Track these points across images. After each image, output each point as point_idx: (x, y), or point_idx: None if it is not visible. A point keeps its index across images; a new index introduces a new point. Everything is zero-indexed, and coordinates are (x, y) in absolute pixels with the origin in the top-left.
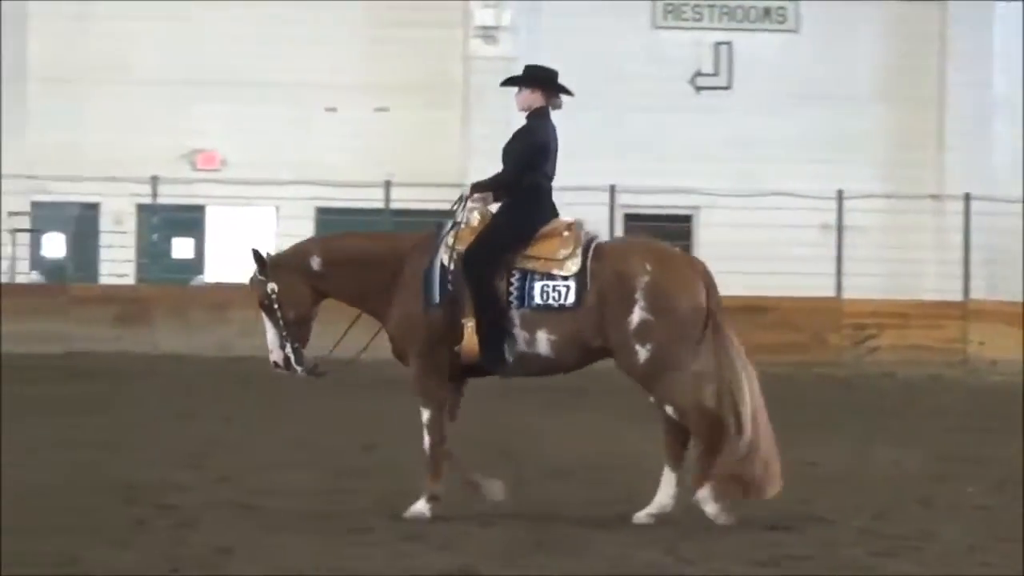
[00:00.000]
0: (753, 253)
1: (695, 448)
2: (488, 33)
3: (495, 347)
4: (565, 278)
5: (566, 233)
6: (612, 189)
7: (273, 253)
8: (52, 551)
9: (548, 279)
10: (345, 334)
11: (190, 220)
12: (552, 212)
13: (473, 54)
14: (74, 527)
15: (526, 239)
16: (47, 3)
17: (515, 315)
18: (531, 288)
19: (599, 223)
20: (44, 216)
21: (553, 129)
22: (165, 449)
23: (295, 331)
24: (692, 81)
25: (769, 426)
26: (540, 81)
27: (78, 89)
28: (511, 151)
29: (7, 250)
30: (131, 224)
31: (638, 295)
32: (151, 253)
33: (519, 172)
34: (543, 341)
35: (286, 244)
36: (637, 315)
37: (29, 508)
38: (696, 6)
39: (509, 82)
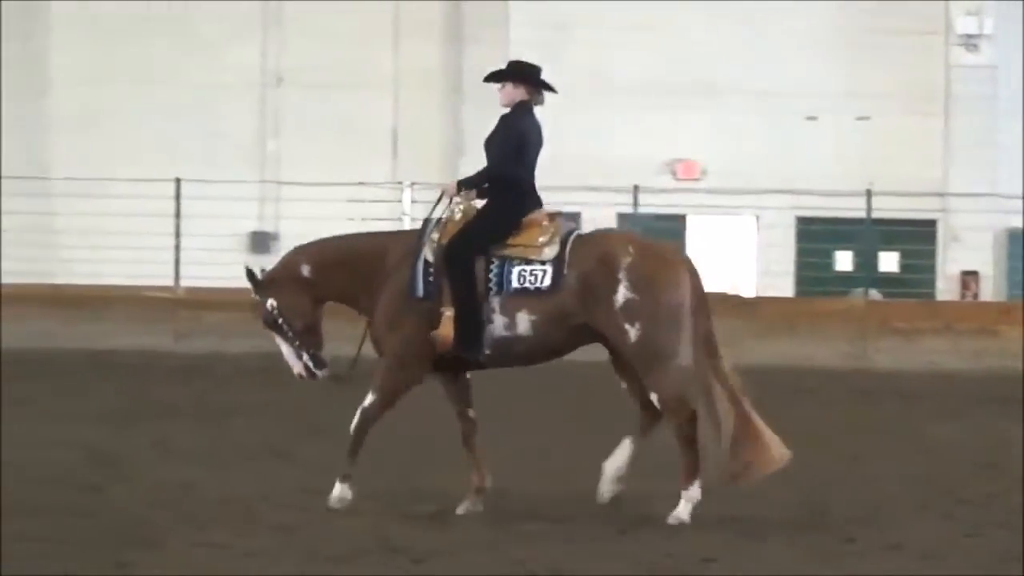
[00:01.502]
0: None
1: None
2: (969, 41)
3: (473, 335)
4: (543, 263)
5: (546, 223)
6: None
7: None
8: (535, 557)
9: (526, 264)
10: (362, 344)
11: (671, 230)
12: (535, 203)
13: (955, 62)
14: (552, 534)
15: (508, 230)
16: (529, 12)
17: (494, 301)
18: (509, 273)
19: None
20: None
21: (536, 123)
22: (643, 457)
23: (307, 339)
24: None
25: (751, 412)
26: (523, 77)
27: (559, 97)
28: (492, 143)
29: None
30: None
31: (620, 275)
32: None
33: (501, 163)
34: (523, 322)
35: (767, 254)
36: (621, 294)
37: (508, 516)
38: None
39: (492, 78)
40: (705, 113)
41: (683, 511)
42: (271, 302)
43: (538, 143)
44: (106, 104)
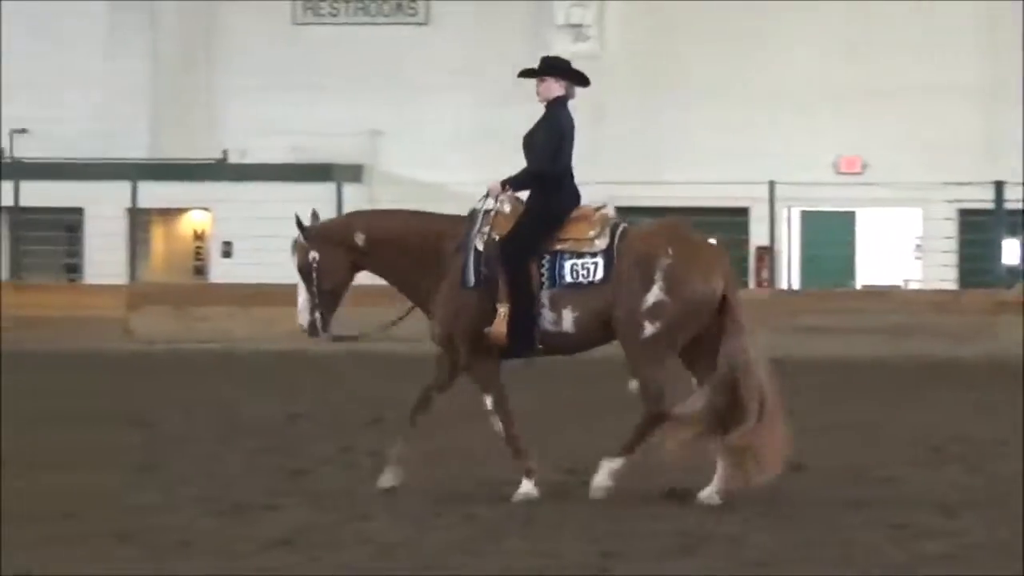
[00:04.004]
0: None
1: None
2: None
3: (524, 333)
4: (594, 255)
5: (594, 216)
6: None
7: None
8: None
9: (578, 257)
10: (404, 318)
11: None
12: (576, 198)
13: None
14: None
15: (558, 224)
16: None
17: (545, 296)
18: (561, 268)
19: None
20: None
21: (571, 117)
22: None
23: (327, 300)
24: None
25: (777, 413)
26: (564, 71)
27: None
28: (536, 141)
29: None
30: None
31: (657, 275)
32: None
33: (545, 162)
34: (568, 319)
35: None
36: (654, 295)
37: None
38: None
39: (529, 73)
40: None
41: (601, 477)
42: (314, 254)
43: (573, 137)
44: None
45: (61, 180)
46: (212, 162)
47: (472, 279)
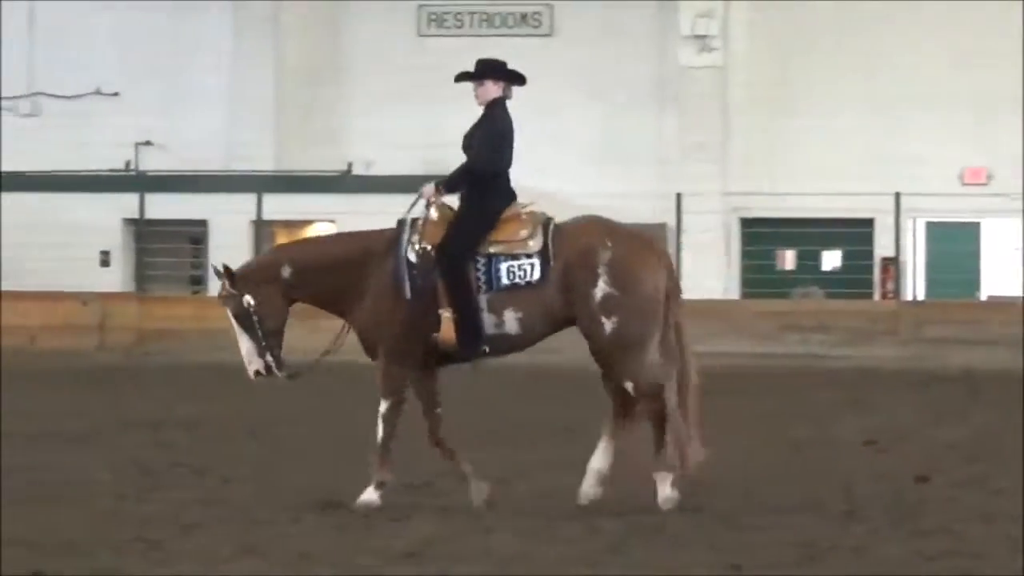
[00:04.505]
0: None
1: (649, 429)
2: None
3: (472, 334)
4: (529, 256)
5: (524, 216)
6: None
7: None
8: None
9: (513, 259)
10: (337, 341)
11: None
12: (511, 196)
13: None
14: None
15: (492, 224)
16: None
17: (483, 300)
18: (497, 271)
19: None
20: None
21: (511, 118)
22: None
23: (273, 340)
24: None
25: (688, 408)
26: (501, 73)
27: None
28: (475, 139)
29: None
30: None
31: (600, 270)
32: None
33: (483, 158)
34: (511, 320)
35: None
36: (600, 288)
37: None
38: None
39: (465, 77)
40: None
41: (665, 491)
42: (248, 299)
43: (512, 137)
44: None
45: (186, 192)
46: (337, 174)
47: (408, 290)
